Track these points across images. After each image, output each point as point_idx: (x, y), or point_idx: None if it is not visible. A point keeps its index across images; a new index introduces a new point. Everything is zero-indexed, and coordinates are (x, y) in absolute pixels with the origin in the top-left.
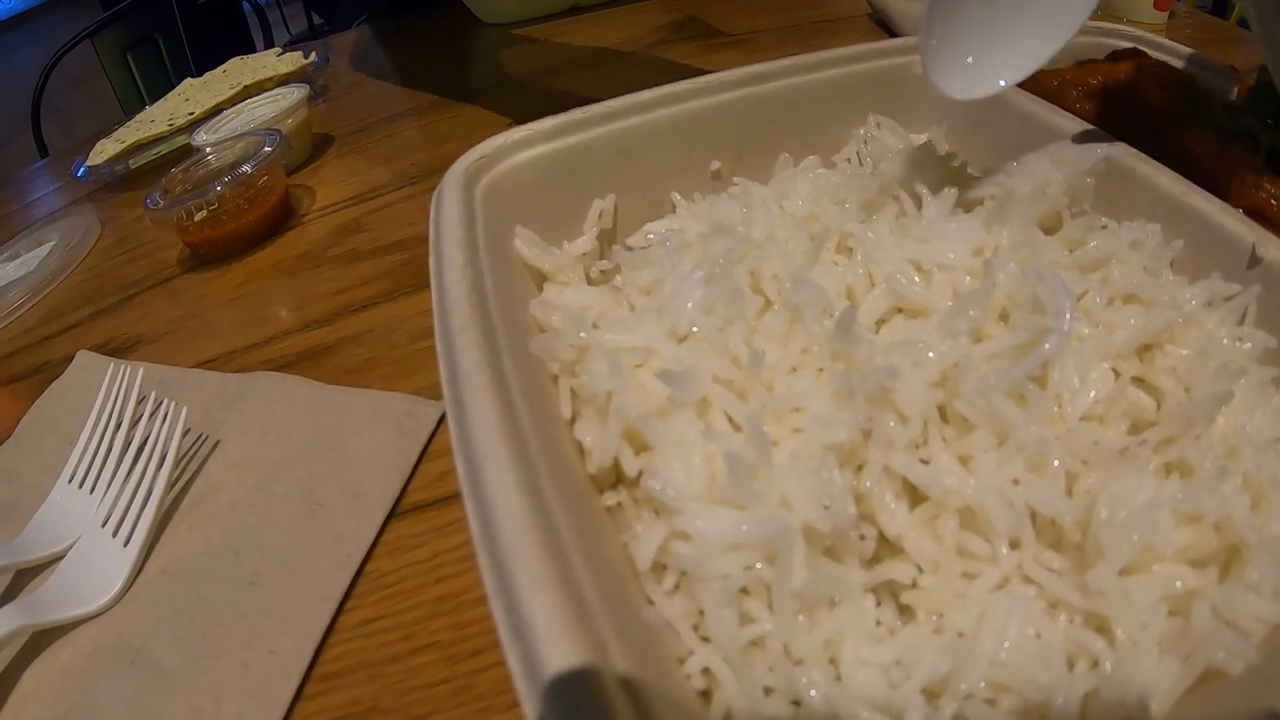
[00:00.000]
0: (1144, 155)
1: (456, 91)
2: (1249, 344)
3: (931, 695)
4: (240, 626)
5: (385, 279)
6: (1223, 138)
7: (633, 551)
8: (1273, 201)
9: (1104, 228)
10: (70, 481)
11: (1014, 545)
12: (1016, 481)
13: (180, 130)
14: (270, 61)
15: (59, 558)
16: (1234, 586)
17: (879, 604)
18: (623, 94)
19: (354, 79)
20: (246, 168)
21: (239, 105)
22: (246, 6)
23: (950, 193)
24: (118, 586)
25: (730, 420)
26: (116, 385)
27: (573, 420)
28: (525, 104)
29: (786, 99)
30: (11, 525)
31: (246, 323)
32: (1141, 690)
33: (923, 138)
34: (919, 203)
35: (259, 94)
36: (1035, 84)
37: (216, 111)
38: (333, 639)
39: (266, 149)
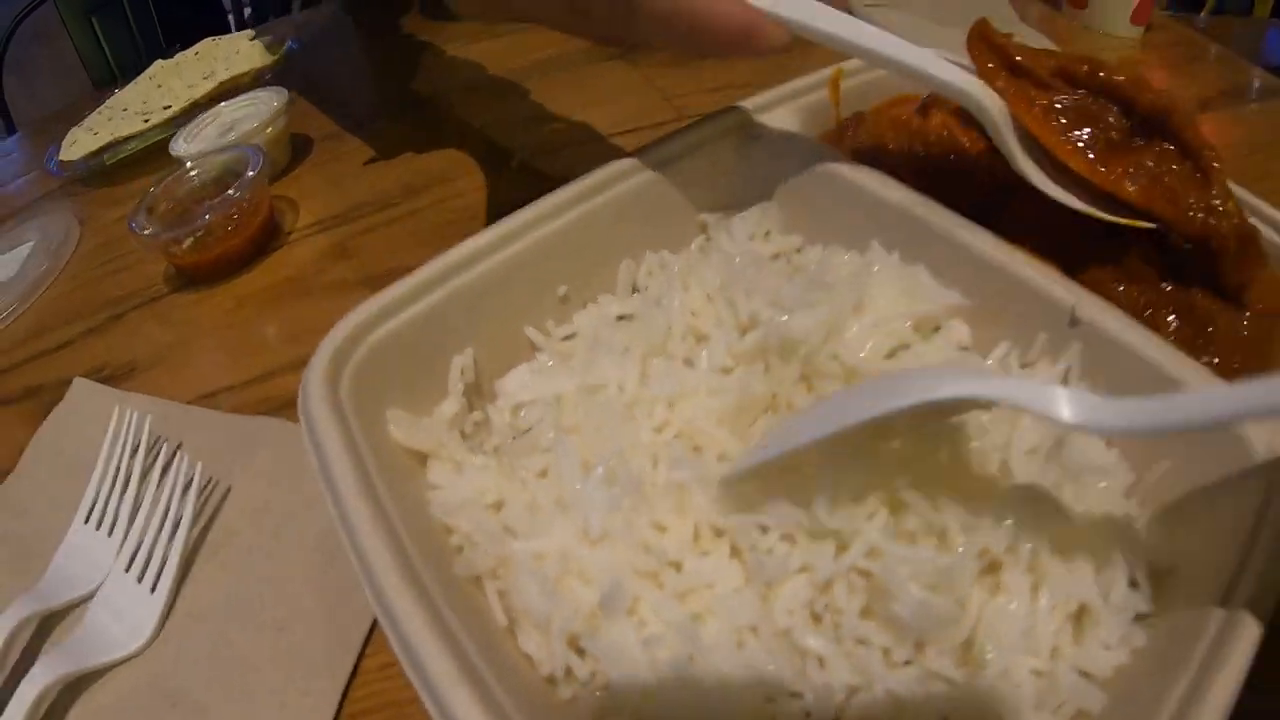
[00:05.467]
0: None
1: (432, 92)
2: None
3: None
4: (273, 669)
5: None
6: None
7: None
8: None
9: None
10: (86, 523)
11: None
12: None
13: (155, 128)
14: (244, 48)
15: (83, 601)
16: (1090, 647)
17: None
18: (585, 110)
19: (327, 69)
20: (233, 192)
21: (216, 107)
22: None
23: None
24: (149, 631)
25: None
26: (124, 429)
27: (510, 625)
28: (492, 113)
29: (619, 209)
30: (25, 561)
31: (241, 355)
32: None
33: (754, 210)
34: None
35: (233, 89)
36: (850, 143)
37: (193, 107)
38: (357, 681)
39: (250, 173)
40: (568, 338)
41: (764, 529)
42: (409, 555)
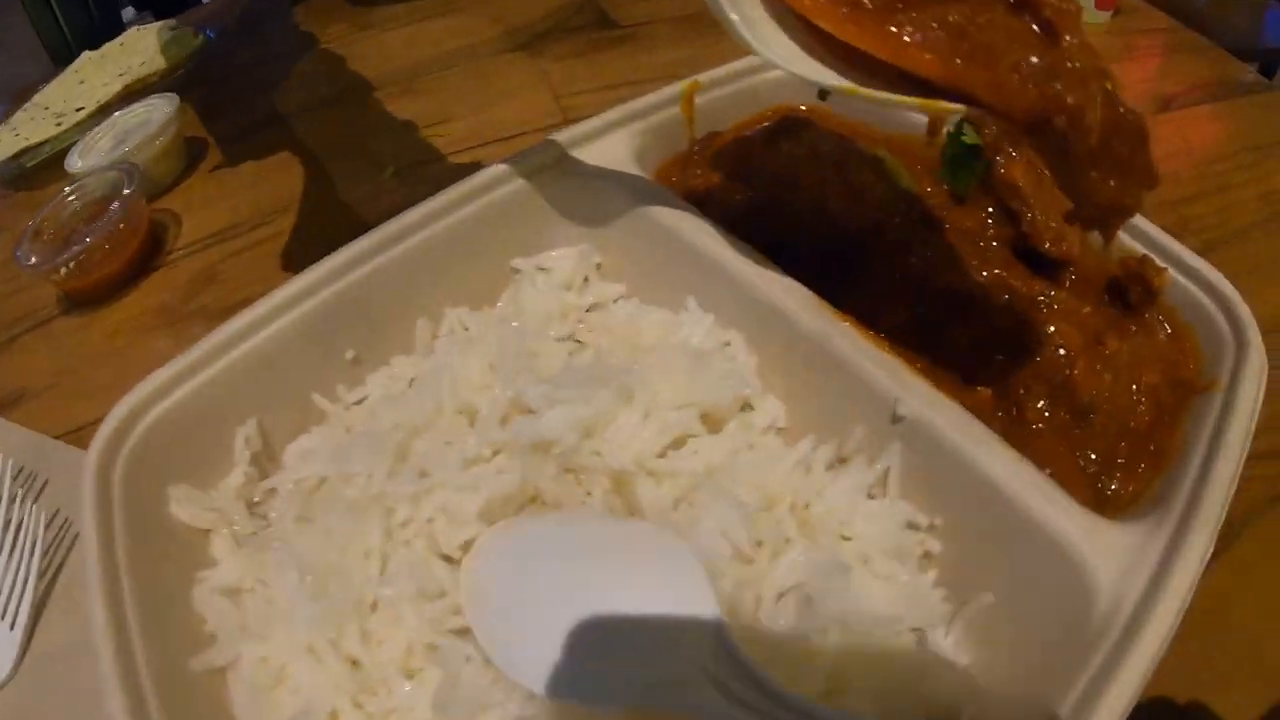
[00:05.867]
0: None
1: (335, 90)
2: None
3: None
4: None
5: None
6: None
7: None
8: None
9: None
10: None
11: None
12: None
13: (67, 131)
14: (163, 40)
15: None
16: None
17: None
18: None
19: (237, 63)
20: (115, 206)
21: (112, 118)
22: None
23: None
24: (8, 668)
25: None
26: None
27: None
28: (385, 113)
29: (418, 258)
30: None
31: (110, 388)
32: None
33: (572, 253)
34: None
35: (142, 89)
36: (684, 177)
37: (100, 110)
38: None
39: (126, 191)
40: (360, 401)
41: (468, 658)
42: (134, 656)
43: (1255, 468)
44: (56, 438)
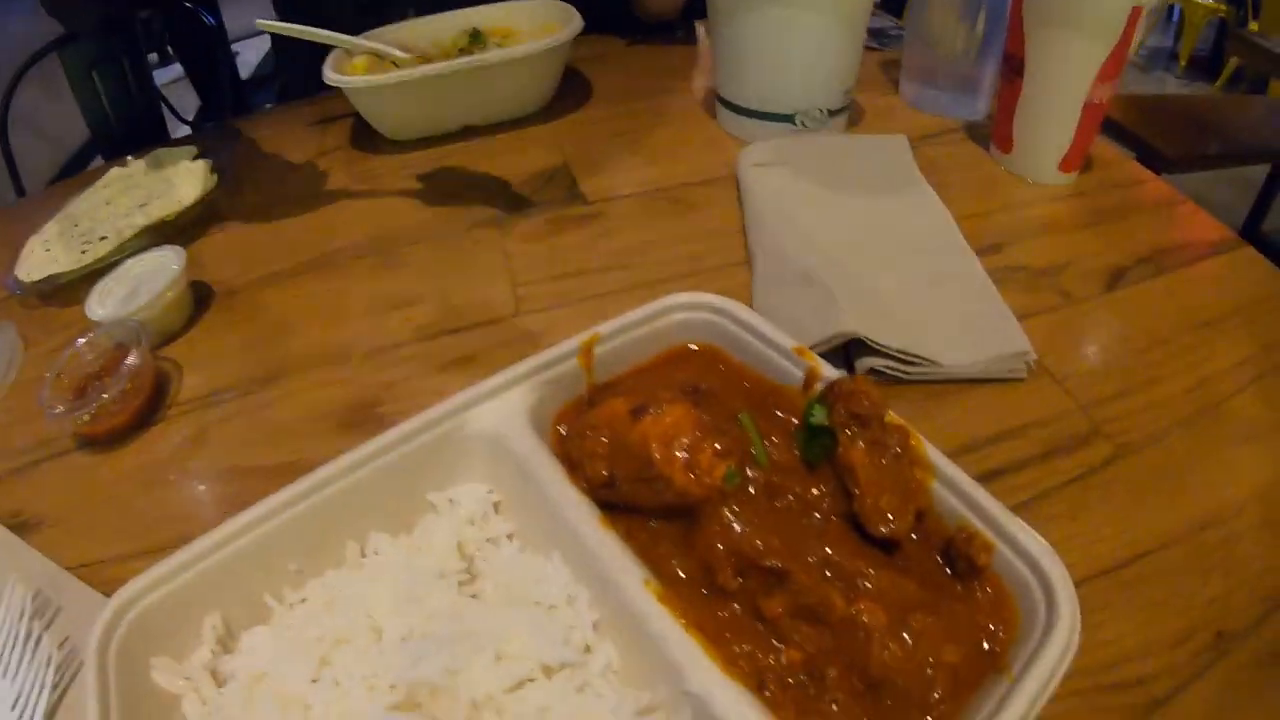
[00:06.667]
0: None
1: (326, 250)
2: None
3: None
4: None
5: (191, 521)
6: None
7: None
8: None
9: None
10: None
11: None
12: None
13: (93, 262)
14: (184, 170)
15: None
16: None
17: None
18: (439, 294)
19: (242, 206)
20: (125, 366)
21: (127, 264)
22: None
23: None
24: None
25: None
26: (13, 600)
27: None
28: (359, 291)
29: (350, 497)
30: None
31: (113, 532)
32: None
33: (475, 490)
34: None
35: (159, 226)
36: (569, 430)
37: (121, 246)
38: None
39: (133, 353)
40: (303, 601)
41: None
42: None
43: (1113, 696)
44: (65, 568)
